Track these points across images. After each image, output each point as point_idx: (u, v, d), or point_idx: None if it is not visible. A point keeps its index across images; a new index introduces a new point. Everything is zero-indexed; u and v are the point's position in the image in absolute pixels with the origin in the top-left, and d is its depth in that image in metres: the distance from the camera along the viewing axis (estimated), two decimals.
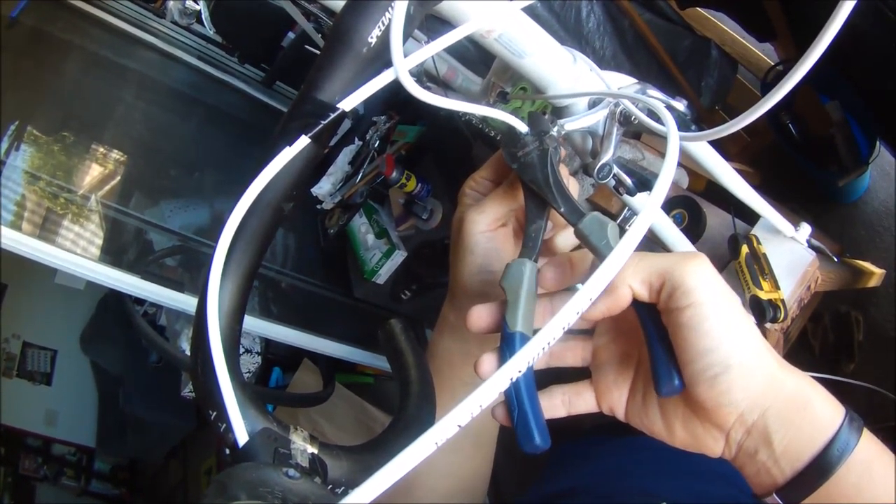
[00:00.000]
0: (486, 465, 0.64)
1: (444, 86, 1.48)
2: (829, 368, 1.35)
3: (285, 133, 0.37)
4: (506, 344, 0.44)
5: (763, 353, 0.39)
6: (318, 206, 2.13)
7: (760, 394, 0.38)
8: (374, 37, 0.38)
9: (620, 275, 0.39)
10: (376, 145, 2.03)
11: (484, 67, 1.26)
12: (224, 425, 0.32)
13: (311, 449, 0.33)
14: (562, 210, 0.46)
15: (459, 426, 0.30)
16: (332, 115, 0.37)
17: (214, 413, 0.32)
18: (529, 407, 0.43)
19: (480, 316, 0.46)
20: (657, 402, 0.44)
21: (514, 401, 0.43)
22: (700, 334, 0.38)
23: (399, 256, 1.72)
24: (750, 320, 0.40)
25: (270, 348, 2.01)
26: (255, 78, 2.53)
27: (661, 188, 0.37)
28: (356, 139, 2.13)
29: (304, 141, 0.37)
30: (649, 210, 0.37)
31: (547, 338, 0.35)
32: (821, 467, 0.37)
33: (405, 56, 0.38)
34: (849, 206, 1.58)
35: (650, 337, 0.42)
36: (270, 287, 2.02)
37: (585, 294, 0.36)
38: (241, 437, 0.31)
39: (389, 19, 0.38)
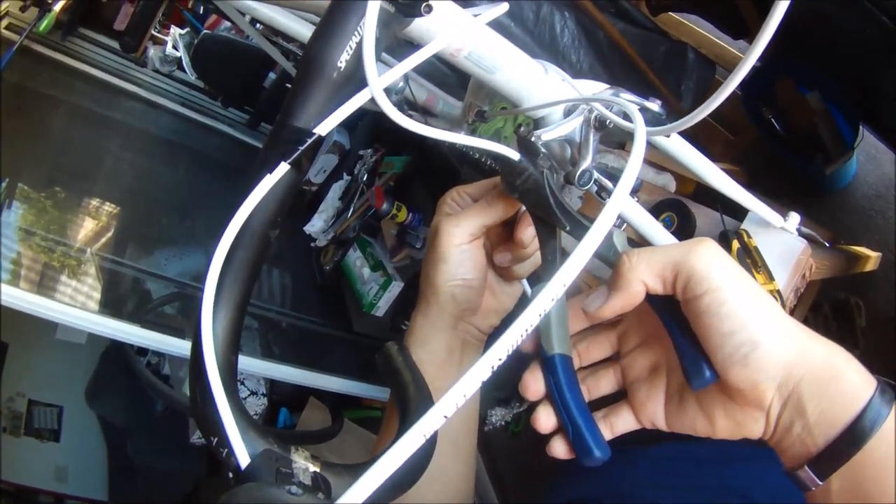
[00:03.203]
0: (471, 471, 0.65)
1: (425, 113, 1.49)
2: None
3: (265, 161, 0.38)
4: (547, 368, 0.46)
5: (788, 324, 0.39)
6: (312, 244, 2.14)
7: (793, 364, 0.38)
8: (343, 61, 0.39)
9: (632, 272, 0.41)
10: (364, 179, 2.05)
11: (464, 91, 1.27)
12: (226, 450, 0.32)
13: (314, 468, 0.33)
14: (567, 229, 0.47)
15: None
16: (310, 141, 0.38)
17: (216, 439, 0.32)
18: (582, 421, 0.44)
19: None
20: (695, 400, 0.43)
21: (567, 419, 0.44)
22: (722, 318, 0.38)
23: (396, 287, 1.73)
24: (768, 296, 0.40)
25: (275, 389, 2.01)
26: (239, 121, 2.56)
27: (632, 170, 0.40)
28: (344, 174, 2.15)
29: (284, 167, 0.38)
30: (620, 189, 0.40)
31: (550, 295, 0.36)
32: (853, 436, 0.37)
33: (360, 105, 0.40)
34: (839, 194, 1.59)
35: (672, 331, 0.42)
36: (271, 328, 2.02)
37: (579, 257, 0.37)
38: (243, 459, 0.32)
39: (357, 43, 0.39)
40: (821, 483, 0.38)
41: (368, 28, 0.37)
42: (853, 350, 1.27)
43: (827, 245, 1.02)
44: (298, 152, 0.38)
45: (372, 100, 0.40)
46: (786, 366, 0.38)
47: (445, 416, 0.30)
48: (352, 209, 2.02)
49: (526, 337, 0.36)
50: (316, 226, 2.15)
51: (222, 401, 0.33)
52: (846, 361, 0.39)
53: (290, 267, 2.26)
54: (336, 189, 2.15)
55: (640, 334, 0.49)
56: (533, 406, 0.48)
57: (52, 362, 2.65)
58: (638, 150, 0.41)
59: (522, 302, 0.64)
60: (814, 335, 0.40)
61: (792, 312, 1.03)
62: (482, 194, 0.59)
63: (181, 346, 1.45)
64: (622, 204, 0.39)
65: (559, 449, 0.45)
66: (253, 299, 2.31)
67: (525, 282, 0.63)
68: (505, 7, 0.52)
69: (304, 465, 0.33)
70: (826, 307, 1.37)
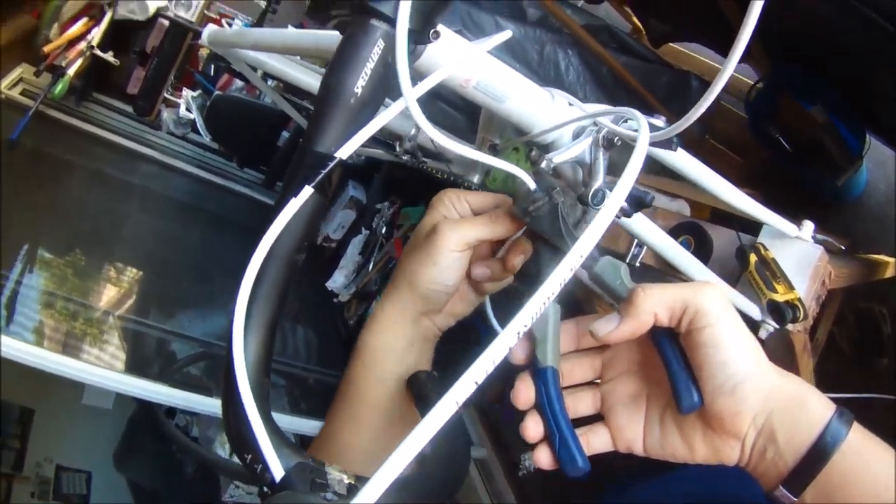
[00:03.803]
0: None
1: (438, 158, 1.51)
2: (863, 368, 1.33)
3: (290, 186, 0.40)
4: (539, 378, 0.49)
5: (765, 362, 0.45)
6: (335, 300, 2.15)
7: (768, 398, 0.44)
8: (359, 87, 0.41)
9: (646, 302, 0.46)
10: (383, 231, 2.07)
11: (475, 136, 1.29)
12: (260, 466, 0.33)
13: (348, 480, 0.33)
14: None
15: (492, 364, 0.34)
16: (331, 164, 0.40)
17: (249, 456, 0.33)
18: (568, 433, 0.47)
19: (516, 353, 0.51)
20: (676, 428, 0.49)
21: (554, 428, 0.47)
22: (718, 349, 0.44)
23: None
24: (754, 338, 0.46)
25: (305, 445, 1.99)
26: (255, 181, 2.59)
27: (633, 168, 0.45)
28: (363, 229, 2.17)
29: (308, 191, 0.39)
30: (621, 187, 0.44)
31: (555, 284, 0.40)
32: (817, 454, 0.43)
33: (391, 117, 0.42)
34: (853, 204, 1.59)
35: (669, 359, 0.47)
36: (298, 384, 2.02)
37: (580, 247, 0.41)
38: (278, 472, 0.32)
39: (371, 69, 0.40)
40: (796, 500, 0.44)
41: (400, 45, 0.38)
42: (882, 359, 1.25)
43: (842, 248, 1.02)
44: (321, 176, 0.39)
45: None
46: (762, 399, 0.44)
47: (476, 383, 0.32)
48: (372, 263, 2.04)
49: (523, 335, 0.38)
50: (338, 281, 2.17)
51: (255, 418, 0.34)
52: (809, 393, 0.45)
53: (315, 323, 2.27)
54: (355, 244, 2.17)
55: (624, 364, 0.53)
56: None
57: (79, 428, 2.65)
58: (641, 147, 0.46)
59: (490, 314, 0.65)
60: (784, 373, 0.46)
61: (816, 321, 1.02)
62: (483, 207, 0.61)
63: (210, 405, 1.45)
64: (624, 194, 0.44)
65: (544, 458, 0.48)
66: (278, 356, 2.31)
67: (487, 298, 0.66)
68: (508, 34, 0.54)
69: (338, 476, 0.33)
70: (851, 318, 1.36)
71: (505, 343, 0.35)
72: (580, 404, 0.52)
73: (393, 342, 0.61)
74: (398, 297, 0.61)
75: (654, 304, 0.46)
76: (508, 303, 0.47)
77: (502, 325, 0.37)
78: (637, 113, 0.50)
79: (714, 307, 0.44)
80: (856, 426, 0.44)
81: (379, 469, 0.28)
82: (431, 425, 0.30)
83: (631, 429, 0.50)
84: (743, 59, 1.62)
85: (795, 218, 0.91)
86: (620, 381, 0.52)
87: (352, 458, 0.59)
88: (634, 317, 0.46)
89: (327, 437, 0.61)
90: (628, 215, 0.66)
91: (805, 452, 0.43)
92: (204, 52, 2.26)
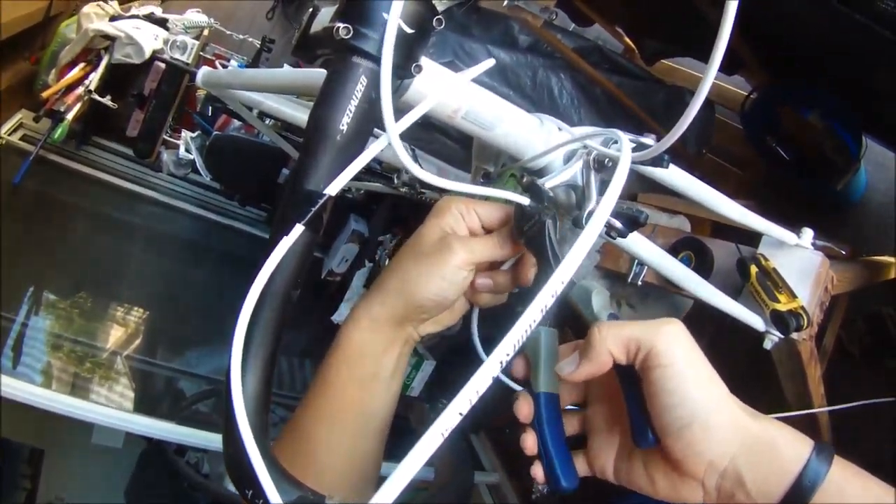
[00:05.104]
0: (381, 449, 0.65)
1: (439, 190, 1.51)
2: (873, 370, 1.32)
3: (282, 225, 0.40)
4: (534, 402, 0.50)
5: (727, 406, 0.44)
6: None
7: (726, 442, 0.43)
8: (344, 124, 0.41)
9: (602, 343, 0.46)
10: (386, 264, 2.07)
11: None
12: (261, 501, 0.33)
13: None
14: None
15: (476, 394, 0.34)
16: (321, 202, 0.41)
17: (250, 491, 0.33)
18: (555, 454, 0.49)
19: (517, 370, 0.52)
20: (640, 461, 0.49)
21: (542, 450, 0.49)
22: (666, 392, 0.44)
23: (429, 366, 1.73)
24: (715, 378, 0.45)
25: None
26: (257, 219, 2.60)
27: (615, 188, 0.46)
28: (366, 261, 2.18)
29: (299, 229, 0.40)
30: (602, 208, 0.45)
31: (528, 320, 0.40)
32: (796, 497, 0.41)
33: (376, 153, 0.43)
34: (855, 208, 1.60)
35: (628, 396, 0.48)
36: None
37: (562, 273, 0.42)
38: None
39: (355, 106, 0.41)
40: None
41: (385, 76, 0.39)
42: (893, 360, 1.23)
43: (843, 253, 1.02)
44: (311, 213, 0.40)
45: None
46: (718, 444, 0.43)
47: (461, 413, 0.32)
48: None
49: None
50: (344, 314, 2.17)
51: (254, 452, 0.34)
52: (781, 432, 0.44)
53: (323, 357, 2.26)
54: (360, 276, 2.18)
55: (602, 391, 0.53)
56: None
57: (90, 467, 2.63)
58: (623, 165, 0.47)
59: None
60: (753, 413, 0.45)
61: (821, 328, 1.01)
62: (492, 220, 0.60)
63: (219, 441, 1.45)
64: (605, 216, 0.44)
65: (538, 473, 0.49)
66: (287, 391, 2.31)
67: (475, 319, 0.66)
68: (491, 62, 0.55)
69: None
70: (859, 322, 1.35)
71: (488, 373, 0.35)
72: (569, 426, 0.53)
73: (374, 343, 0.60)
74: (388, 301, 0.59)
75: (610, 345, 0.46)
76: (504, 320, 0.48)
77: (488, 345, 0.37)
78: (619, 133, 0.51)
79: (669, 347, 0.44)
80: (837, 460, 0.43)
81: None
82: (418, 458, 0.30)
83: (604, 455, 0.51)
84: (737, 71, 1.63)
85: (797, 226, 0.91)
86: (598, 408, 0.53)
87: (322, 454, 0.59)
88: (592, 359, 0.47)
89: (298, 432, 0.60)
90: (623, 235, 0.67)
91: (781, 497, 0.42)
92: (201, 93, 2.28)
